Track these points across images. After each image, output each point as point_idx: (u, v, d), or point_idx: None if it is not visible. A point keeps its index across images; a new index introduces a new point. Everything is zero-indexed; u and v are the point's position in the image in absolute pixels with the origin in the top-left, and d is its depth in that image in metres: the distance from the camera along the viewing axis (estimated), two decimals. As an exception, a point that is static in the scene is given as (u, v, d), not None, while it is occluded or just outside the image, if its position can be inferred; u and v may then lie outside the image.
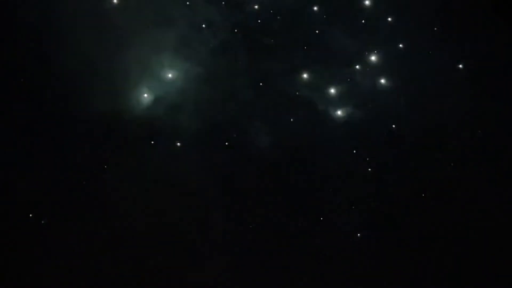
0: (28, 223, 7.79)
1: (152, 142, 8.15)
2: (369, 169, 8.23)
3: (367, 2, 8.42)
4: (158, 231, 7.94)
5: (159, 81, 8.30)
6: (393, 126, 8.27)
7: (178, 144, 8.16)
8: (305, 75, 8.43)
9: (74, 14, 8.12)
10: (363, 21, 8.41)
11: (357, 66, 8.41)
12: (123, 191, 8.00)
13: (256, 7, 8.45)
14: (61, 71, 8.06)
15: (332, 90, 8.42)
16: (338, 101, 8.42)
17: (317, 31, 8.43)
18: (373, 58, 8.41)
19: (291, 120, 8.35)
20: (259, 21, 8.46)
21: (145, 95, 8.24)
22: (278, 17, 8.48)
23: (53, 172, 7.94)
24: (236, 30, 8.40)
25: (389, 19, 8.41)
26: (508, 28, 8.20)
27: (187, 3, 8.37)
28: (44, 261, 7.68)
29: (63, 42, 8.10)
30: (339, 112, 8.40)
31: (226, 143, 8.23)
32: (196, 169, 8.12)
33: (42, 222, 7.81)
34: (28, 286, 7.63)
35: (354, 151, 8.28)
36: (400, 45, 8.38)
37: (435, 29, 8.33)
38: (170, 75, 8.33)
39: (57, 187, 7.93)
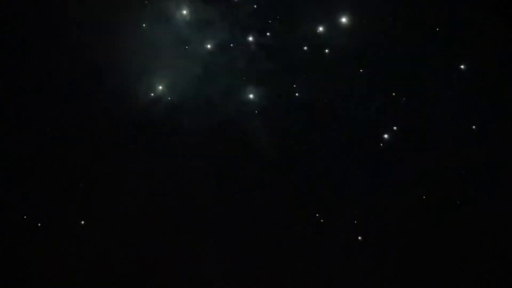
0: (25, 225, 7.74)
1: (152, 142, 8.10)
2: (370, 169, 8.22)
3: (367, 2, 8.43)
4: (158, 231, 7.91)
5: (159, 81, 8.25)
6: (395, 128, 8.27)
7: (178, 144, 8.11)
8: (304, 75, 8.40)
9: (74, 13, 8.07)
10: (363, 20, 8.40)
11: (357, 66, 8.40)
12: (121, 192, 7.95)
13: (255, 6, 8.43)
14: (60, 71, 8.04)
15: (332, 90, 8.40)
16: (338, 101, 8.40)
17: (317, 31, 8.42)
18: (373, 57, 8.40)
19: (291, 120, 8.32)
20: (258, 20, 8.45)
21: (145, 94, 8.20)
22: (278, 17, 8.46)
23: (51, 172, 7.90)
24: (236, 30, 8.39)
25: (390, 18, 8.42)
26: (508, 28, 8.24)
27: (187, 2, 8.36)
28: (42, 263, 7.63)
29: (62, 42, 8.09)
30: (338, 113, 8.37)
31: (225, 142, 8.22)
32: (196, 169, 8.08)
33: (39, 224, 7.74)
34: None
35: (355, 151, 8.26)
36: (401, 45, 8.38)
37: (437, 29, 8.35)
38: (169, 75, 8.28)
39: (54, 188, 7.88)
